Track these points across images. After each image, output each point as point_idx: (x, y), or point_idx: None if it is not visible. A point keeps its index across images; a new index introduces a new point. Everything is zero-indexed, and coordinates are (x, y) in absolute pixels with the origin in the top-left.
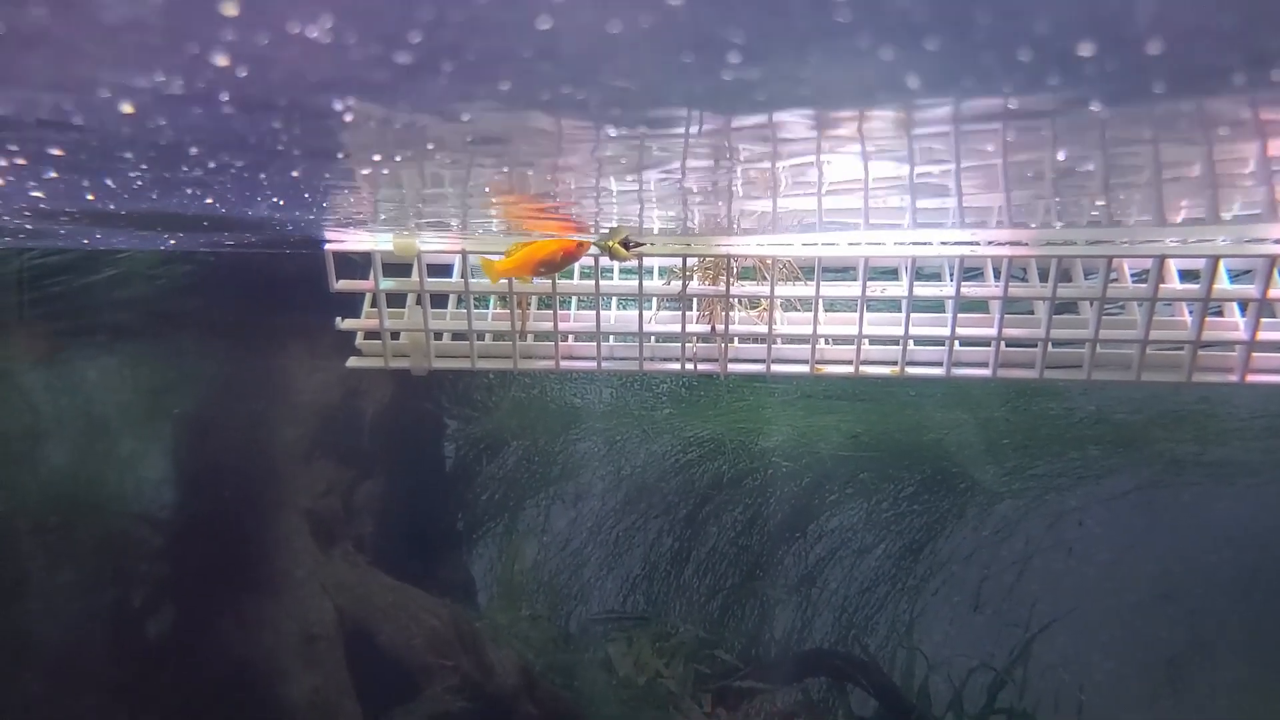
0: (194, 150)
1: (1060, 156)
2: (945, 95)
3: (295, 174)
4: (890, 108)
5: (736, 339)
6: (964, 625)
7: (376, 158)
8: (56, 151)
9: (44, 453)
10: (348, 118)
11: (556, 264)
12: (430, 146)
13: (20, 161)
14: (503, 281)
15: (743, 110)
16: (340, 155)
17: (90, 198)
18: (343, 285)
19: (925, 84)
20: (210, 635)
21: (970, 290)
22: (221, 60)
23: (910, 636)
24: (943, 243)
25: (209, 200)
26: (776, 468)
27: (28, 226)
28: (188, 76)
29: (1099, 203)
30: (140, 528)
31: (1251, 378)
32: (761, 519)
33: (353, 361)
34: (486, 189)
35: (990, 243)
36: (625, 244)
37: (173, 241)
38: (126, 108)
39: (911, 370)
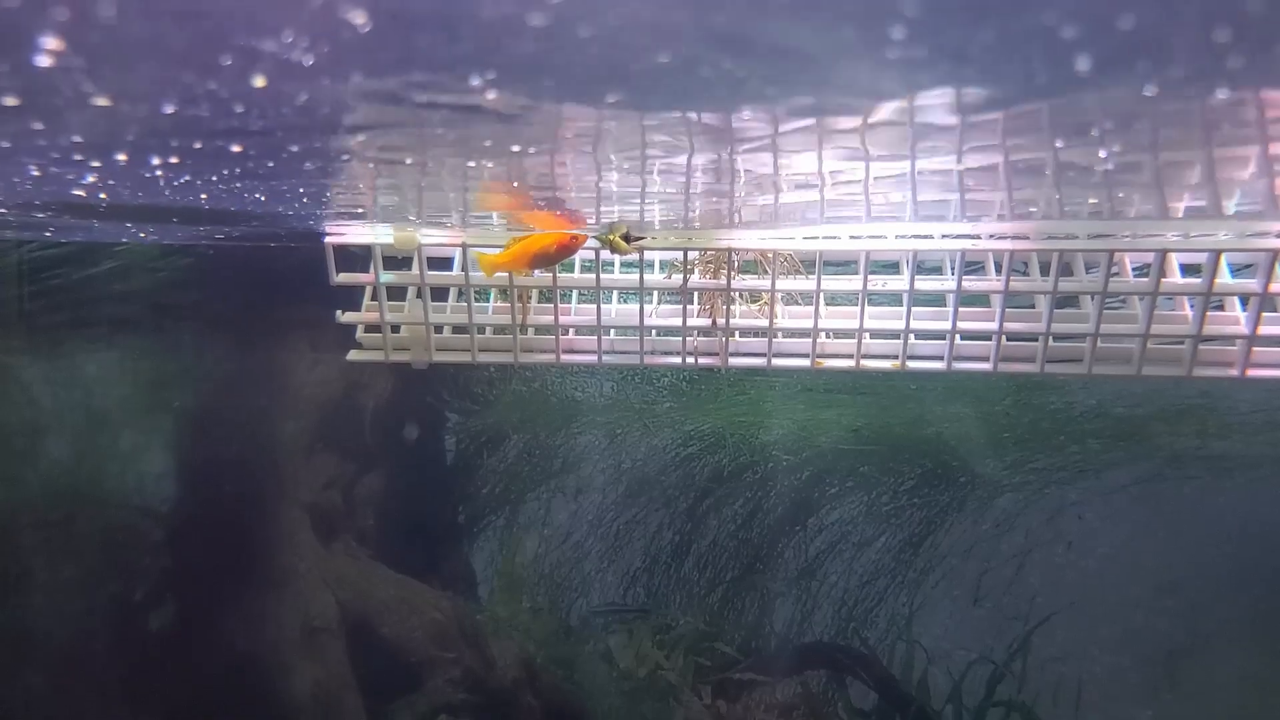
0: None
1: (1060, 146)
2: (946, 86)
3: (301, 165)
4: (890, 98)
5: (737, 333)
6: (963, 618)
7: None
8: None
9: (45, 447)
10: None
11: (552, 257)
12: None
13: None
14: (503, 275)
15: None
16: (344, 145)
17: (98, 194)
18: (343, 279)
19: (926, 75)
20: (212, 629)
21: (971, 284)
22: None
23: (910, 629)
24: (944, 236)
25: (206, 194)
26: (777, 461)
27: (23, 218)
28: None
29: (1092, 200)
30: (142, 522)
31: (1252, 372)
32: (762, 512)
33: (353, 355)
34: (485, 177)
35: (991, 236)
36: (626, 238)
37: (179, 234)
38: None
39: (912, 364)
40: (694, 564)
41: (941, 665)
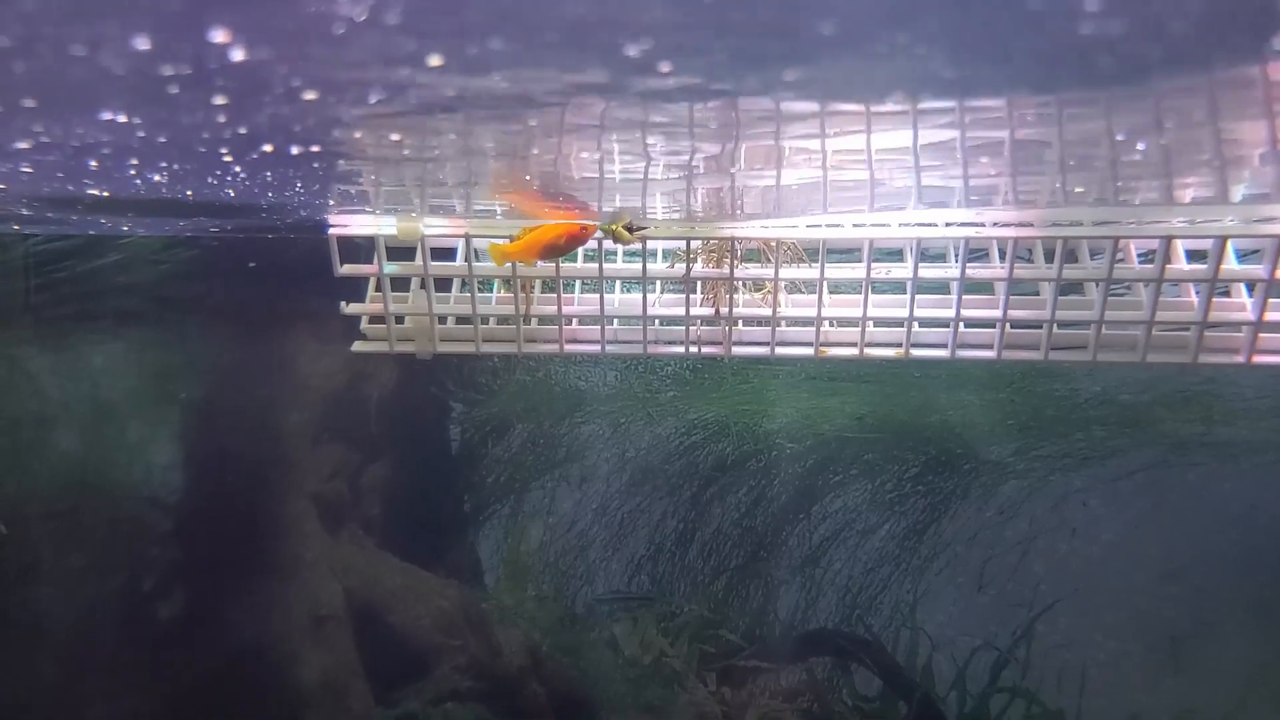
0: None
1: (1067, 136)
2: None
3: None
4: (898, 86)
5: (741, 322)
6: (967, 605)
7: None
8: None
9: (53, 438)
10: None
11: (561, 248)
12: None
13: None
14: (506, 265)
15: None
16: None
17: (99, 189)
18: (347, 270)
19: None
20: (220, 618)
21: (975, 272)
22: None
23: (914, 616)
24: (948, 224)
25: (214, 184)
26: (781, 449)
27: (25, 213)
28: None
29: (1105, 182)
30: (149, 512)
31: (1258, 359)
32: (766, 500)
33: (358, 346)
34: (491, 164)
35: (995, 224)
36: (629, 227)
37: (181, 224)
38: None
39: (916, 352)
40: (698, 552)
41: (946, 652)
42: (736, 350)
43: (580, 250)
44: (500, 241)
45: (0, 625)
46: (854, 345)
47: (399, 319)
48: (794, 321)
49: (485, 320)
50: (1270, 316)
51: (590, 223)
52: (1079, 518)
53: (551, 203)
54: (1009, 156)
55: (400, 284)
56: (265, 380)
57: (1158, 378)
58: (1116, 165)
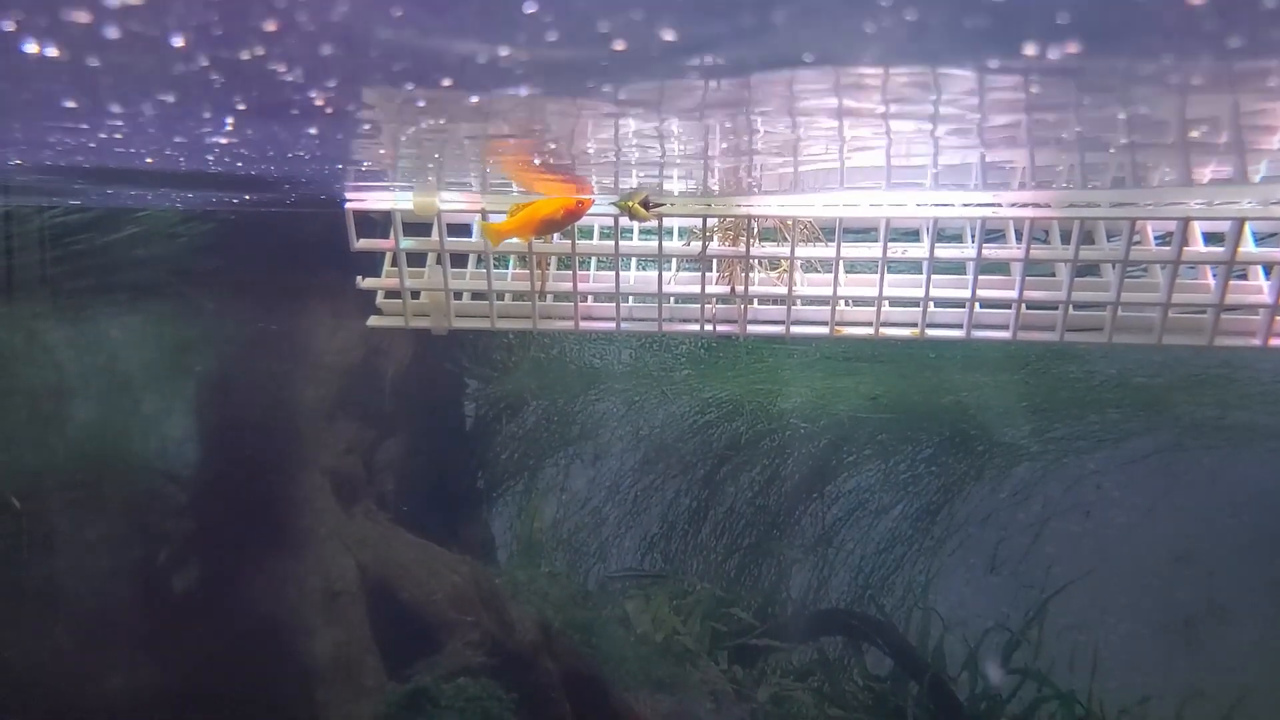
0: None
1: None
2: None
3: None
4: (915, 63)
5: (756, 300)
6: (980, 586)
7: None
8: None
9: (70, 411)
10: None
11: (559, 222)
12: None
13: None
14: (522, 242)
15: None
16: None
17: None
18: (363, 244)
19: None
20: (235, 591)
21: (992, 252)
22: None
23: (926, 597)
24: (964, 204)
25: (232, 156)
26: (794, 429)
27: (47, 181)
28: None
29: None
30: (165, 485)
31: (1275, 342)
32: (779, 480)
33: (373, 321)
34: (505, 145)
35: (1012, 204)
36: (645, 204)
37: (201, 199)
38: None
39: (932, 332)
40: (711, 530)
41: (957, 633)
42: (752, 329)
43: (596, 227)
44: (497, 219)
45: (17, 597)
46: (869, 325)
47: (414, 294)
48: (809, 300)
49: (500, 296)
50: None
51: (587, 197)
52: (1093, 500)
53: (550, 175)
54: (1026, 135)
55: (416, 259)
56: (281, 355)
57: (1173, 360)
58: (1134, 146)
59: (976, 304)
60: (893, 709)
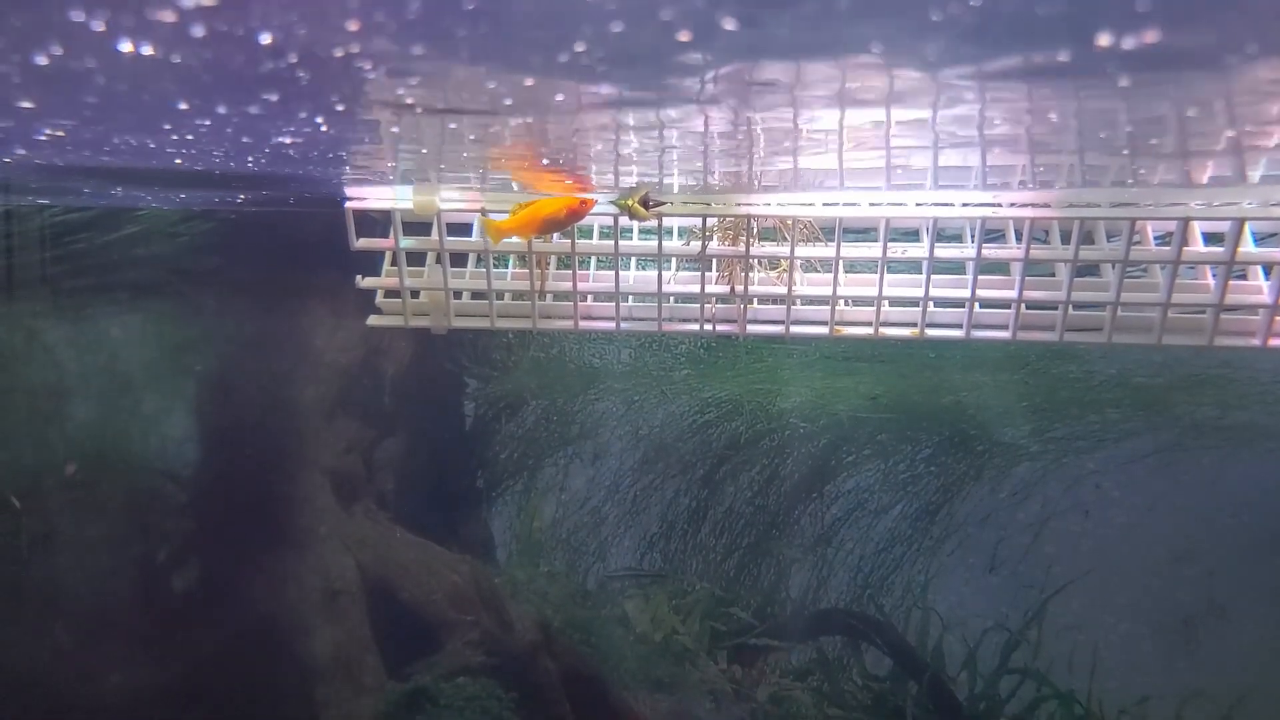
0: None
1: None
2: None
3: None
4: (914, 64)
5: (756, 300)
6: (979, 586)
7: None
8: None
9: (70, 410)
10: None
11: (561, 222)
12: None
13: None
14: (522, 241)
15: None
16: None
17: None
18: (363, 244)
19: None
20: (234, 590)
21: (991, 252)
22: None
23: (925, 597)
24: (964, 204)
25: (234, 153)
26: (794, 429)
27: (46, 184)
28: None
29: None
30: (165, 484)
31: (1275, 342)
32: (778, 479)
33: (373, 320)
34: (506, 141)
35: (1012, 204)
36: (645, 203)
37: (201, 199)
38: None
39: (932, 332)
40: (710, 530)
41: (957, 632)
42: (751, 329)
43: (595, 226)
44: (497, 217)
45: (17, 595)
46: (869, 325)
47: (414, 294)
48: (809, 300)
49: (500, 296)
50: None
51: (590, 196)
52: (1092, 500)
53: (553, 174)
54: (1027, 136)
55: (416, 259)
56: (280, 354)
57: (1173, 360)
58: (1135, 147)
59: (976, 304)
60: (892, 709)
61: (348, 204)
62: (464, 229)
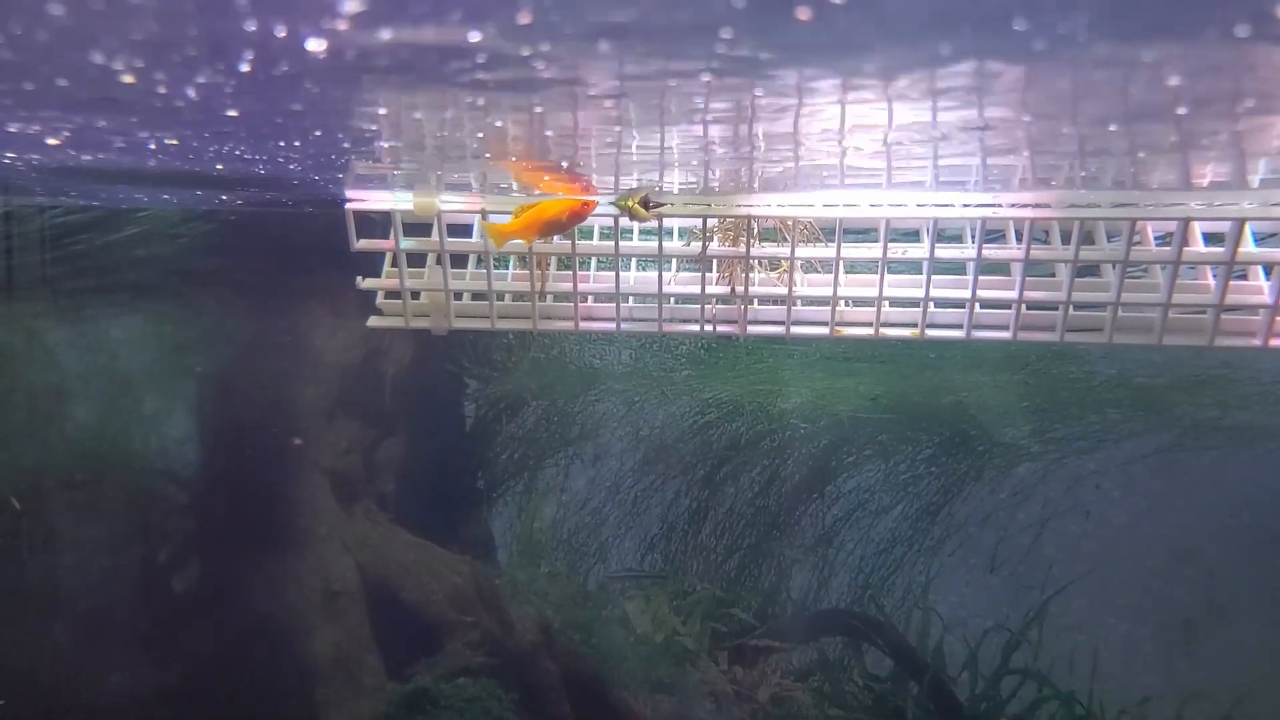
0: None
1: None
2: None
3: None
4: (915, 60)
5: (756, 300)
6: (980, 587)
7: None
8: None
9: (70, 410)
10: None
11: (563, 224)
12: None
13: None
14: (522, 242)
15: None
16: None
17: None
18: (363, 245)
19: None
20: (234, 590)
21: (992, 253)
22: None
23: (926, 597)
24: (965, 204)
25: (235, 154)
26: (794, 429)
27: (51, 184)
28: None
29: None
30: (165, 485)
31: (1275, 342)
32: (779, 480)
33: (373, 321)
34: (508, 143)
35: (1012, 204)
36: (645, 204)
37: (201, 200)
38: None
39: (932, 332)
40: (711, 531)
41: (957, 633)
42: (752, 329)
43: (596, 227)
44: (501, 221)
45: (17, 596)
46: (869, 325)
47: (414, 294)
48: (810, 301)
49: (500, 297)
50: None
51: (592, 198)
52: (1092, 500)
53: (555, 175)
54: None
55: (416, 259)
56: (281, 355)
57: (1173, 361)
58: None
59: (976, 304)
60: (893, 709)
61: (348, 205)
62: (464, 230)
